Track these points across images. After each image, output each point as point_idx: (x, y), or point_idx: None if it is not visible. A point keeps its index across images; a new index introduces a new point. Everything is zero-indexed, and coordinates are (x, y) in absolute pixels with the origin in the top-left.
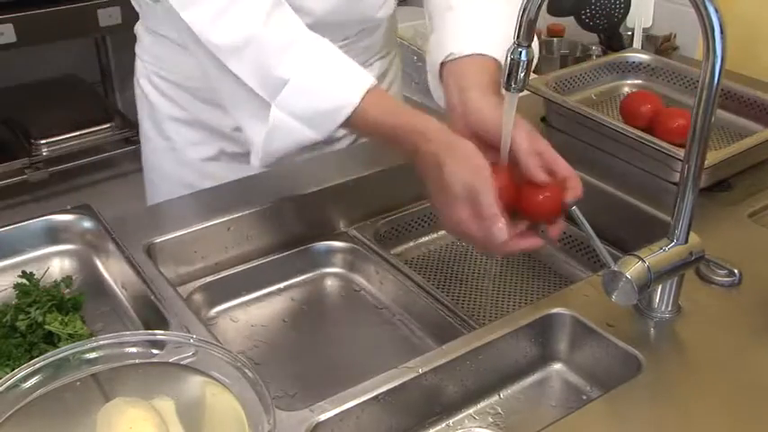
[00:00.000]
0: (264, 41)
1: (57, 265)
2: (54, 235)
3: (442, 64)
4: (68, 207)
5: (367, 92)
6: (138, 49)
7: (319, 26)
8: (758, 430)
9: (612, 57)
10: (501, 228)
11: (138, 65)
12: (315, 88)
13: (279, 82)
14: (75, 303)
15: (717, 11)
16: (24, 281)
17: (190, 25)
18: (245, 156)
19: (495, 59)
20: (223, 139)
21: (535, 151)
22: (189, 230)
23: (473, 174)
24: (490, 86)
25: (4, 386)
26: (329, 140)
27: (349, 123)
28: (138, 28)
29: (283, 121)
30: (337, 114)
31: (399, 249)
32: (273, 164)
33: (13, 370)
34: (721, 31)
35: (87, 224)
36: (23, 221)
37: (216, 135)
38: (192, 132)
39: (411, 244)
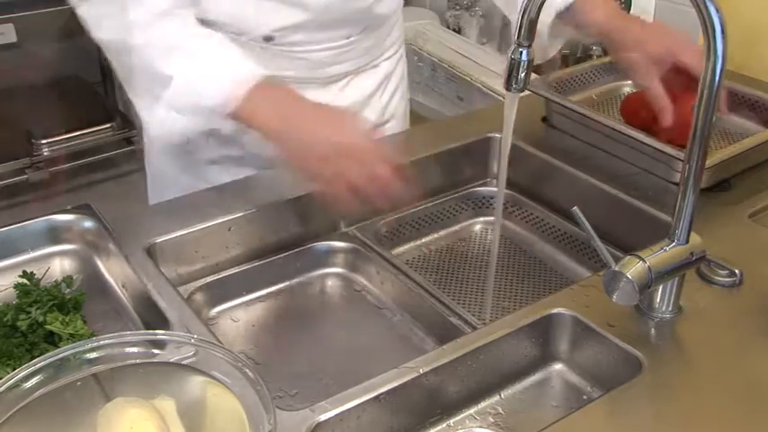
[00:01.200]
0: (150, 42)
1: (57, 264)
2: (55, 235)
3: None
4: (69, 207)
5: (253, 85)
6: None
7: (319, 23)
8: (759, 430)
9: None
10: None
11: None
12: (200, 86)
13: (165, 78)
14: (76, 303)
15: (718, 11)
16: (25, 281)
17: (83, 19)
18: (246, 159)
19: None
20: (223, 143)
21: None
22: (190, 230)
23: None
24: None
25: (5, 386)
26: None
27: (236, 118)
28: None
29: (166, 117)
30: (220, 110)
31: (400, 249)
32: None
33: (14, 370)
34: (722, 32)
35: (88, 224)
36: (24, 221)
37: (216, 138)
38: (193, 136)
39: (412, 244)
